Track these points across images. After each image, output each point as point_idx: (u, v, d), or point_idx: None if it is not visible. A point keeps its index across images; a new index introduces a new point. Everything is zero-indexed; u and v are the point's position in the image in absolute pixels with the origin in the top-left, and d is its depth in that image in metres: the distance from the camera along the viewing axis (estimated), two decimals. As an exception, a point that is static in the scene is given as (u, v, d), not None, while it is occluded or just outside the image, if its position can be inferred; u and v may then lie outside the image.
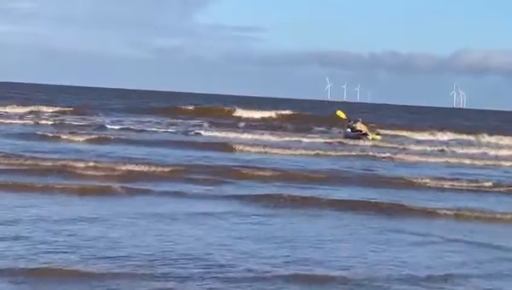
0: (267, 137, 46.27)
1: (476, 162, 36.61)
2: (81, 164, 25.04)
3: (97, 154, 29.39)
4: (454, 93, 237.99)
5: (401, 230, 17.04)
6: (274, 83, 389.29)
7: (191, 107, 75.83)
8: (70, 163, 25.23)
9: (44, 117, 54.14)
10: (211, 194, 20.86)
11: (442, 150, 44.25)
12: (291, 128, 55.73)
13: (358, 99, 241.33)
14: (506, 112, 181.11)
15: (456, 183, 26.04)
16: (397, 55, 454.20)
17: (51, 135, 37.99)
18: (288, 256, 13.66)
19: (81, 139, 37.17)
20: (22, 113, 57.78)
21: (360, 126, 50.21)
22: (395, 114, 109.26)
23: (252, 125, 57.08)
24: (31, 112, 58.74)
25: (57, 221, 15.75)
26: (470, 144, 51.60)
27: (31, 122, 48.64)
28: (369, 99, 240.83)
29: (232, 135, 46.28)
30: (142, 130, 47.24)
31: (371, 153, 37.30)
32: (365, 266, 13.24)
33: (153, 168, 25.27)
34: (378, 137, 50.37)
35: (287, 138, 46.40)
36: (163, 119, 61.23)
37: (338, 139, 47.44)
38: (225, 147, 36.47)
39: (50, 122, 48.89)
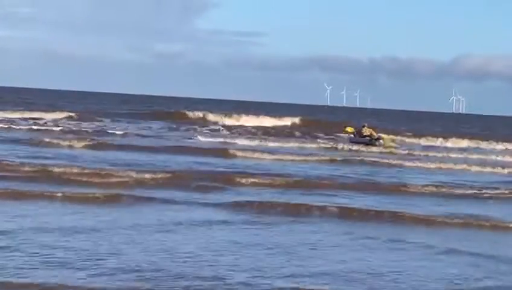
0: (276, 144, 45.78)
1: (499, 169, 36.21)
2: (76, 170, 24.96)
3: (97, 160, 29.30)
4: (454, 99, 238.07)
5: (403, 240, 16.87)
6: (274, 88, 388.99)
7: (189, 112, 74.67)
8: (62, 169, 25.07)
9: (48, 123, 53.96)
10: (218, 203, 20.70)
11: (464, 157, 43.39)
12: (297, 135, 55.25)
13: (357, 104, 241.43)
14: (507, 117, 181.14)
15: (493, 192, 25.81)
16: (397, 60, 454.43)
17: (56, 141, 37.71)
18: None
19: (80, 144, 37.04)
20: (28, 118, 57.66)
21: (366, 131, 49.21)
22: (396, 119, 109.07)
23: (264, 132, 56.29)
24: (33, 118, 58.38)
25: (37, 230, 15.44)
26: (482, 151, 50.80)
27: (36, 127, 48.47)
28: (368, 104, 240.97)
29: (230, 141, 46.00)
30: (143, 136, 47.02)
31: (386, 161, 36.74)
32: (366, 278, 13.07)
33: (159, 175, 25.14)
34: (394, 144, 49.19)
35: (291, 144, 46.06)
36: (164, 124, 61.03)
37: (343, 145, 46.15)
38: (224, 152, 36.36)
39: (58, 128, 48.56)
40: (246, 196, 22.01)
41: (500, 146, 56.03)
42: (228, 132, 55.25)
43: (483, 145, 56.12)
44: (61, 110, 67.97)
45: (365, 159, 37.34)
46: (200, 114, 72.14)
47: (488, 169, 36.41)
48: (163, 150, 36.87)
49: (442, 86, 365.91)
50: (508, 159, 44.10)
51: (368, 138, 48.44)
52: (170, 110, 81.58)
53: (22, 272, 12.03)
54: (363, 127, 49.84)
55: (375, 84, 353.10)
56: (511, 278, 13.70)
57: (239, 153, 36.14)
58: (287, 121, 70.07)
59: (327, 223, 18.44)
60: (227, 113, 70.18)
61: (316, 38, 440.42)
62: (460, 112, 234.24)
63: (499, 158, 43.98)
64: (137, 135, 47.67)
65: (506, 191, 26.19)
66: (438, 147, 53.26)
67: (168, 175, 25.31)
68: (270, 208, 19.94)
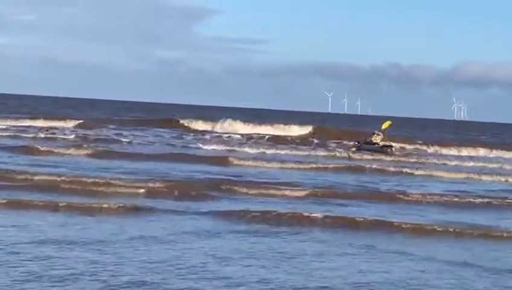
0: (284, 151, 45.46)
1: None
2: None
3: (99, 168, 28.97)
4: (455, 106, 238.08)
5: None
6: (274, 95, 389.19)
7: (185, 121, 73.73)
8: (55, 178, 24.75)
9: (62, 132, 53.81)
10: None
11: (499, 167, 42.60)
12: (300, 143, 54.80)
13: (359, 111, 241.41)
14: (507, 124, 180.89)
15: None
16: (399, 67, 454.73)
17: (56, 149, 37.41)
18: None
19: (82, 152, 36.79)
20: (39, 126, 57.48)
21: (377, 138, 48.64)
22: (404, 127, 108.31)
23: (276, 141, 55.80)
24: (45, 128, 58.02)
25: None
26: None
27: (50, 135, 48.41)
28: (370, 111, 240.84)
29: (238, 149, 45.62)
30: (145, 144, 46.74)
31: (404, 170, 36.18)
32: None
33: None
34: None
35: (299, 152, 45.73)
36: (168, 132, 60.81)
37: (353, 154, 45.61)
38: (223, 160, 36.18)
39: (70, 136, 48.34)
40: (246, 204, 21.64)
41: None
42: (230, 139, 54.88)
43: (500, 153, 54.63)
44: (70, 118, 67.62)
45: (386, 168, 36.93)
46: (199, 122, 71.36)
47: None
48: (169, 158, 36.54)
49: (444, 93, 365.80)
50: None
51: (377, 145, 48.14)
52: (172, 118, 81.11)
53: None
54: (373, 134, 49.47)
55: (376, 90, 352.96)
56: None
57: (239, 162, 35.80)
58: (293, 130, 68.53)
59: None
60: (231, 122, 69.55)
61: (317, 45, 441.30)
62: (462, 118, 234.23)
63: None
64: (148, 143, 47.41)
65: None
66: (463, 156, 51.29)
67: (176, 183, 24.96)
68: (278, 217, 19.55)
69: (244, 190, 24.81)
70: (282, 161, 37.35)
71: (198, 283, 12.51)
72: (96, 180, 24.74)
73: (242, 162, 35.97)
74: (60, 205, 19.73)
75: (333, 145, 53.44)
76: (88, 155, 36.06)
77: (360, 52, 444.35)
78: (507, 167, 43.11)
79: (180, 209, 20.37)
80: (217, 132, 62.26)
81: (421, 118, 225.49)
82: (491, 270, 14.79)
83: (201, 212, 20.00)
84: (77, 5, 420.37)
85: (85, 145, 40.65)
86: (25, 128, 53.87)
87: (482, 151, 54.95)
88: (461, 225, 19.79)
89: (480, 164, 44.33)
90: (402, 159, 44.69)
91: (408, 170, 36.29)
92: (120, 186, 24.01)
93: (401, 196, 25.46)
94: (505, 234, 18.96)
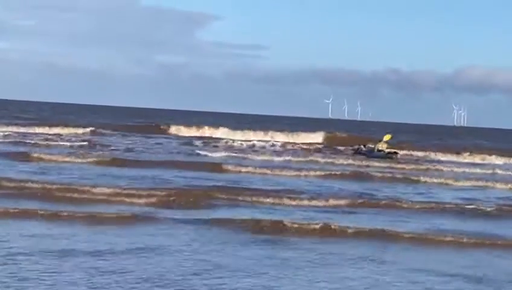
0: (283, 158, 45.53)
1: None
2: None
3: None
4: (455, 112, 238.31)
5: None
6: (275, 101, 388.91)
7: (183, 128, 73.41)
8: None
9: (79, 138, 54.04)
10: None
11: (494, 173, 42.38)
12: (303, 151, 54.77)
13: (359, 117, 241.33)
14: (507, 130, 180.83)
15: None
16: (399, 72, 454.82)
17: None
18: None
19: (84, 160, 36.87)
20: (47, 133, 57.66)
21: (383, 145, 48.77)
22: (400, 132, 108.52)
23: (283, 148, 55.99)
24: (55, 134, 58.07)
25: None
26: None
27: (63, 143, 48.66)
28: (370, 117, 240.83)
29: (239, 155, 45.72)
30: (144, 151, 46.53)
31: (415, 178, 36.11)
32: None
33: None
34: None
35: (301, 158, 45.84)
36: (168, 138, 60.98)
37: (361, 162, 45.09)
38: (219, 168, 36.27)
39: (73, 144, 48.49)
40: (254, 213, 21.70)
41: None
42: (241, 146, 55.01)
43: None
44: (77, 124, 67.69)
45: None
46: (199, 128, 71.13)
47: None
48: (179, 165, 36.57)
49: (444, 98, 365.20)
50: None
51: (383, 152, 48.38)
52: (173, 123, 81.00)
53: None
54: (380, 141, 49.81)
55: (377, 96, 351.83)
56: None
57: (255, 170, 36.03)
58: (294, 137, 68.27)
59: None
60: (233, 130, 69.44)
61: (318, 51, 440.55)
62: (462, 124, 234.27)
63: None
64: (138, 151, 47.12)
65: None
66: (480, 163, 50.96)
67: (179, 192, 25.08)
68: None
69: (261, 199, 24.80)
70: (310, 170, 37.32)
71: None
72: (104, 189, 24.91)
73: (257, 170, 36.00)
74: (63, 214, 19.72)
75: (351, 151, 52.75)
76: (96, 163, 36.11)
77: (361, 58, 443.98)
78: None
79: (185, 217, 20.45)
80: (222, 138, 61.95)
81: (421, 123, 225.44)
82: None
83: (204, 220, 20.05)
84: (77, 10, 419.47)
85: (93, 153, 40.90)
86: (31, 135, 54.15)
87: (489, 158, 54.57)
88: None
89: (490, 171, 44.23)
90: (413, 166, 44.28)
91: (428, 179, 36.10)
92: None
93: (399, 203, 25.57)
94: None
